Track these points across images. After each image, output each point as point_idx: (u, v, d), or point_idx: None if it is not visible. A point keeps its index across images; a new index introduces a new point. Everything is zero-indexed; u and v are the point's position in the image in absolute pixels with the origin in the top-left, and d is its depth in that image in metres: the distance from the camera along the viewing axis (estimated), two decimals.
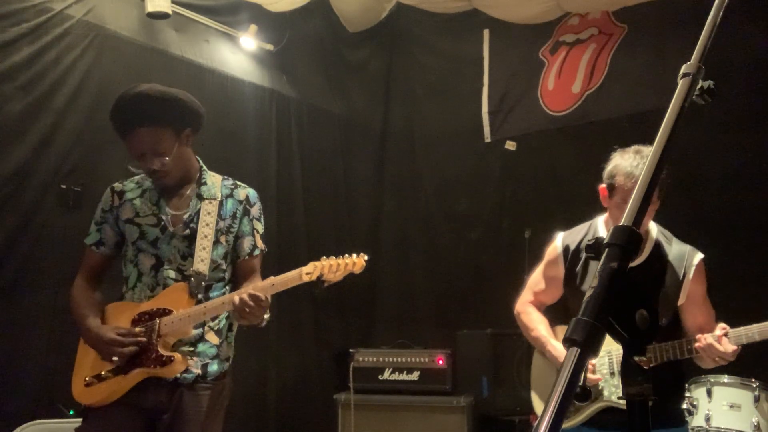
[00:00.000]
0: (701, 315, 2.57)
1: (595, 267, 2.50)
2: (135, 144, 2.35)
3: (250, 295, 2.23)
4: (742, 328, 2.43)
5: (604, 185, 2.59)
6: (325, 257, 2.30)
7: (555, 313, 2.83)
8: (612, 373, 2.55)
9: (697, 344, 2.39)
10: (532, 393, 2.87)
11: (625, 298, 0.83)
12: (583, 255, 2.63)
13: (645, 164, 2.51)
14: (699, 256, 2.59)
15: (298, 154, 5.22)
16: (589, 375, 2.50)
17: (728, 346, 2.39)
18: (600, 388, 2.56)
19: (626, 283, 0.83)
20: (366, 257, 2.31)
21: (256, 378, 4.64)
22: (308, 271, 2.28)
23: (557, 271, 2.70)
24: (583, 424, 2.61)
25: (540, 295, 2.79)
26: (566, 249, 2.68)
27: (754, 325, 2.44)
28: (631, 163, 2.45)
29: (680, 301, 2.53)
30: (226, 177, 2.60)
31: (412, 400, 4.46)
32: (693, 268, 2.55)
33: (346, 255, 2.31)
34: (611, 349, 2.60)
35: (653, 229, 2.61)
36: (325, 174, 5.49)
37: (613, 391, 2.54)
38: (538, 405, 2.83)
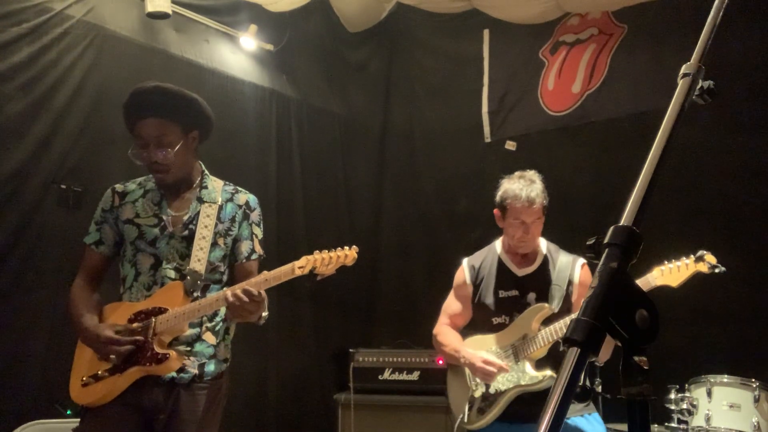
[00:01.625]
0: None
1: (491, 280, 2.71)
2: (143, 133, 2.39)
3: (244, 290, 2.23)
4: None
5: (497, 209, 2.96)
6: (317, 251, 2.30)
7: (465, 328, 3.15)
8: (517, 361, 2.83)
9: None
10: (450, 402, 3.09)
11: (625, 298, 0.83)
12: (484, 273, 3.01)
13: (530, 186, 2.81)
14: (582, 260, 2.94)
15: (298, 154, 5.22)
16: (498, 362, 2.78)
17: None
18: (506, 377, 2.83)
19: (625, 283, 0.83)
20: (357, 249, 2.32)
21: (256, 378, 4.64)
22: (301, 265, 2.29)
23: (467, 291, 3.06)
24: (498, 420, 2.82)
25: (455, 318, 3.12)
26: (472, 269, 3.06)
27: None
28: (518, 186, 2.85)
29: (573, 298, 2.87)
30: (227, 183, 2.63)
31: (412, 400, 4.46)
32: (578, 270, 2.90)
33: (338, 248, 2.32)
34: (513, 341, 2.88)
35: (543, 243, 3.00)
36: (325, 174, 5.49)
37: (521, 377, 2.79)
38: (455, 411, 3.02)
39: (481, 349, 2.91)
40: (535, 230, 2.89)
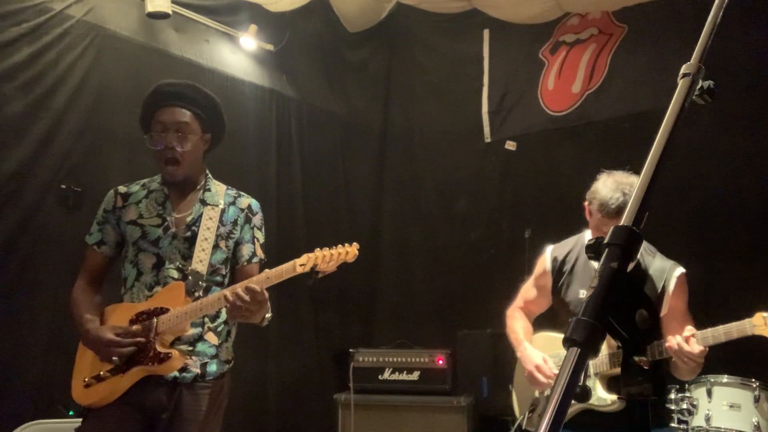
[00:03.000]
0: (681, 328, 2.59)
1: (577, 279, 2.52)
2: (165, 118, 2.44)
3: (246, 288, 2.22)
4: (709, 329, 2.47)
5: (587, 202, 2.73)
6: (318, 248, 2.30)
7: (545, 320, 3.00)
8: (587, 376, 2.62)
9: (667, 344, 2.45)
10: (514, 396, 2.97)
11: (625, 298, 0.83)
12: (568, 267, 2.80)
13: (622, 198, 2.47)
14: (680, 269, 2.66)
15: (298, 154, 5.22)
16: (550, 371, 2.63)
17: (695, 347, 2.43)
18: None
19: (626, 283, 0.83)
20: (358, 246, 2.31)
21: (256, 378, 4.64)
22: (302, 263, 2.28)
23: (546, 282, 2.88)
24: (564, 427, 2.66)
25: (530, 304, 2.97)
26: (554, 260, 2.85)
27: (720, 327, 2.49)
28: (607, 194, 2.57)
29: (662, 313, 2.60)
30: (230, 187, 2.64)
31: (412, 400, 4.46)
32: (673, 281, 2.63)
33: (339, 245, 2.31)
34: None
35: None
36: (325, 174, 5.49)
37: (593, 395, 2.58)
38: (517, 408, 2.93)
39: (550, 350, 2.77)
40: None
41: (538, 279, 2.94)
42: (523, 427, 2.79)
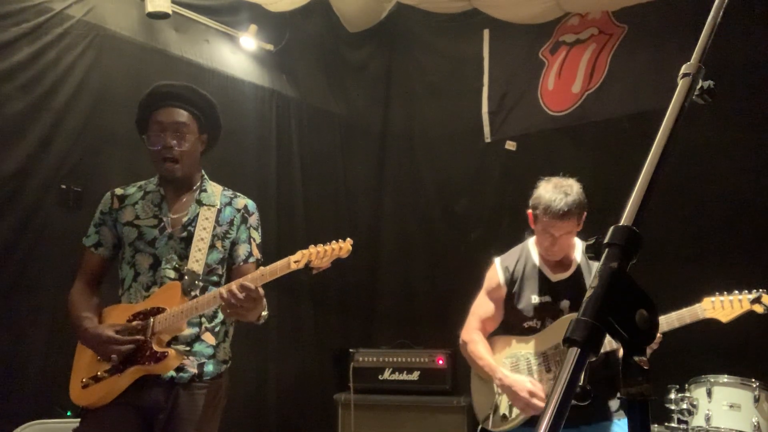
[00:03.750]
0: None
1: (528, 285, 2.55)
2: (162, 118, 2.46)
3: (240, 285, 2.22)
4: (662, 316, 2.58)
5: (530, 211, 2.84)
6: (312, 245, 2.30)
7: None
8: (548, 371, 2.75)
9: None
10: (473, 400, 3.00)
11: (625, 298, 0.83)
12: (518, 275, 2.90)
13: (564, 199, 2.60)
14: None
15: (298, 154, 5.22)
16: (542, 394, 2.65)
17: None
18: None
19: (626, 283, 0.83)
20: (352, 242, 2.32)
21: (256, 378, 4.64)
22: (296, 259, 2.28)
23: (500, 294, 2.93)
24: (522, 425, 2.75)
25: (486, 322, 2.97)
26: (506, 270, 2.93)
27: (672, 313, 2.63)
28: (551, 196, 2.69)
29: None
30: (226, 188, 2.64)
31: (412, 400, 4.46)
32: None
33: (333, 241, 2.31)
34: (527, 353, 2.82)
35: (578, 249, 2.87)
36: (325, 174, 5.49)
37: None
38: (478, 412, 2.95)
39: (506, 352, 2.83)
40: (564, 242, 2.77)
41: (492, 293, 2.97)
42: (490, 428, 2.81)
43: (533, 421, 2.70)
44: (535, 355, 2.81)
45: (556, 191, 2.70)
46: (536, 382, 2.74)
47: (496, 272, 2.96)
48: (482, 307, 2.98)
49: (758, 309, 2.59)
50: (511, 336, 2.92)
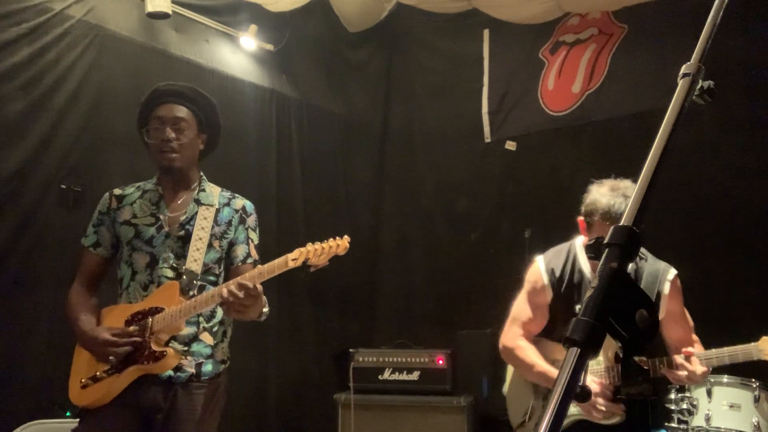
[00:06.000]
0: (680, 329, 2.61)
1: (573, 294, 2.34)
2: (162, 113, 2.48)
3: (238, 285, 2.22)
4: (713, 350, 2.49)
5: (582, 218, 2.60)
6: (310, 243, 2.30)
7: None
8: None
9: (668, 369, 2.44)
10: (508, 404, 2.88)
11: (625, 298, 0.83)
12: (565, 279, 2.66)
13: (624, 203, 2.37)
14: (672, 271, 2.60)
15: (298, 154, 5.22)
16: (608, 403, 2.41)
17: (698, 367, 2.42)
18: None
19: (626, 283, 0.83)
20: (349, 239, 2.31)
21: (256, 378, 4.64)
22: (294, 257, 2.28)
23: (545, 297, 2.69)
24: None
25: (529, 326, 2.73)
26: (551, 272, 2.68)
27: (725, 349, 2.51)
28: (608, 202, 2.47)
29: (660, 316, 2.53)
30: (224, 189, 2.65)
31: (412, 400, 4.46)
32: (667, 284, 2.57)
33: (330, 239, 2.31)
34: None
35: None
36: (325, 174, 5.49)
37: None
38: (512, 416, 2.85)
39: (552, 357, 2.65)
40: None
41: (536, 295, 2.72)
42: None
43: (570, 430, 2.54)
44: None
45: (614, 195, 2.48)
46: (601, 382, 2.49)
47: (540, 274, 2.71)
48: (524, 311, 2.74)
49: None
50: (554, 342, 2.72)
